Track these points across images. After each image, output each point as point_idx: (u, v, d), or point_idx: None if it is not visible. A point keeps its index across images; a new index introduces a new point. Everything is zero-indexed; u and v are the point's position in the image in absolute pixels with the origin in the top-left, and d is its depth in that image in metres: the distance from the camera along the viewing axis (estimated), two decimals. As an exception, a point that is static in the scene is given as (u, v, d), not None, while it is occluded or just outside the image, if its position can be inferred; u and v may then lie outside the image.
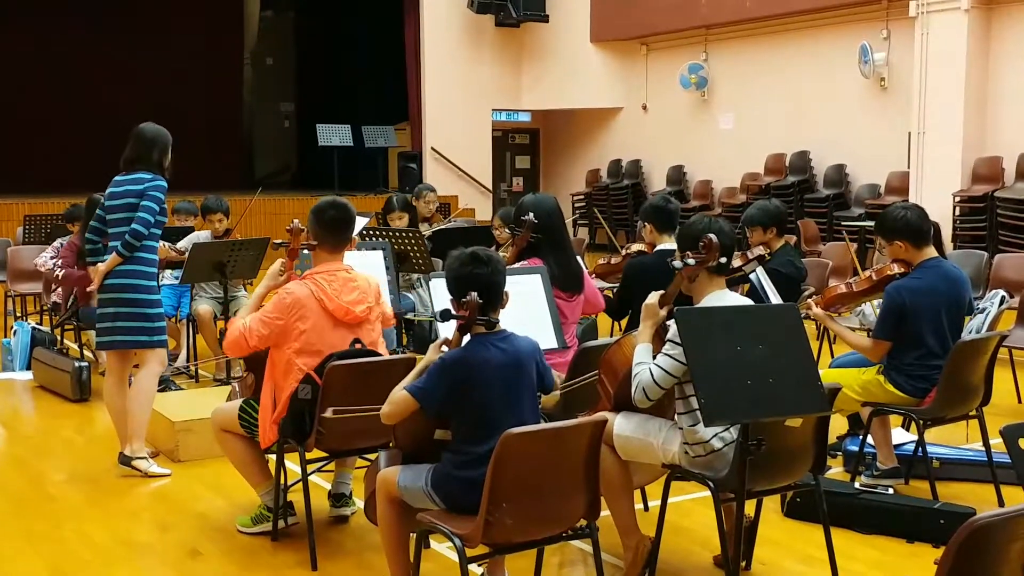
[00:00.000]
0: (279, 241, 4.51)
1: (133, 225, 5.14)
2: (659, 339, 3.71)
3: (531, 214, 4.71)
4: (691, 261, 3.61)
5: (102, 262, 5.26)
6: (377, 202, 14.60)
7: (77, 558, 4.30)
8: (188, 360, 7.71)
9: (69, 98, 17.74)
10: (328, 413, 3.93)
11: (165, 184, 5.26)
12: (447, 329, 3.46)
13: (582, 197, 17.99)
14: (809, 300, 5.12)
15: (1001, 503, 4.64)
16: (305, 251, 4.37)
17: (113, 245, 5.21)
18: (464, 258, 3.36)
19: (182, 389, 7.06)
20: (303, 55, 21.97)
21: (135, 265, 5.21)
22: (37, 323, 8.44)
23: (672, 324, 3.53)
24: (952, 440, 5.45)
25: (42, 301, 8.69)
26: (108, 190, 5.29)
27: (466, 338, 3.33)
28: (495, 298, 3.34)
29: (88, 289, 5.51)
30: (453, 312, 3.27)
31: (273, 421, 4.21)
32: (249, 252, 7.18)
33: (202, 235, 7.58)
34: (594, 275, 6.33)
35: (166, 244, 6.67)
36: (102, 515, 4.83)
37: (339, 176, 16.91)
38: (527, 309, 4.25)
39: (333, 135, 16.86)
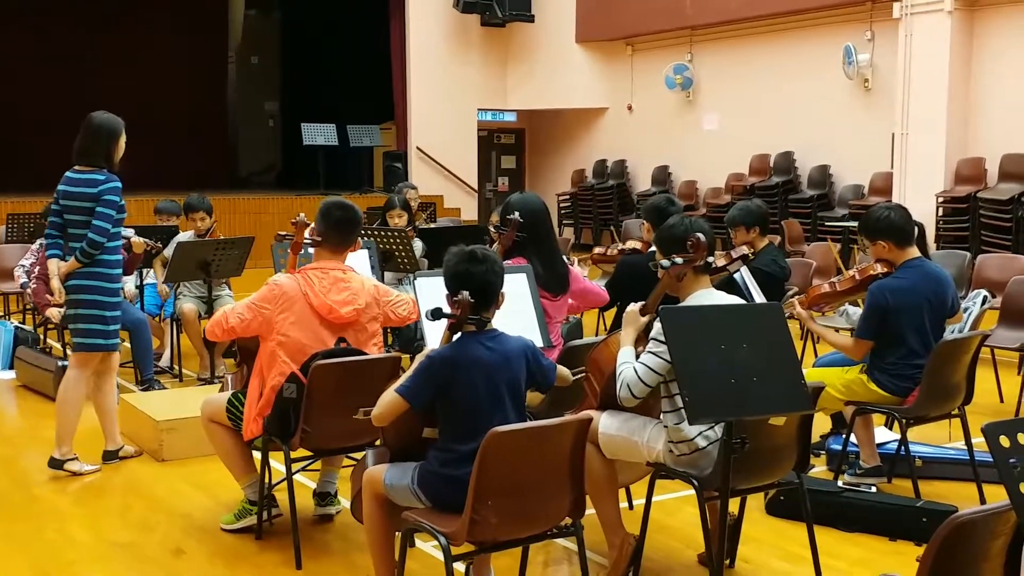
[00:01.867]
0: (283, 233, 4.52)
1: (90, 235, 5.05)
2: (643, 340, 3.73)
3: (516, 213, 4.72)
4: (679, 260, 3.63)
5: (56, 256, 5.18)
6: (362, 202, 14.60)
7: (61, 558, 4.29)
8: (172, 360, 7.69)
9: (51, 97, 17.62)
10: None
11: (119, 184, 5.16)
12: (436, 327, 3.46)
13: (567, 197, 18.02)
14: (792, 300, 5.15)
15: (983, 501, 4.67)
16: (310, 249, 4.36)
17: (72, 247, 5.12)
18: (462, 255, 3.36)
19: (166, 388, 7.04)
20: (288, 54, 21.91)
21: (96, 267, 5.14)
22: (20, 322, 8.40)
23: (657, 322, 3.54)
24: (934, 439, 5.49)
25: (24, 300, 8.64)
26: (63, 186, 5.16)
27: (456, 337, 3.32)
28: (489, 298, 3.34)
29: (46, 298, 5.41)
30: (445, 311, 3.26)
31: (257, 414, 4.21)
32: (233, 251, 7.16)
33: (187, 235, 7.55)
34: (589, 260, 6.34)
35: (143, 240, 6.61)
36: (86, 515, 4.82)
37: (324, 175, 16.88)
38: (513, 308, 4.24)
39: (318, 134, 16.82)
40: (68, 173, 5.20)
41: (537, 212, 4.80)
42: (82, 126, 5.19)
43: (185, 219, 7.73)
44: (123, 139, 5.21)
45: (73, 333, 5.27)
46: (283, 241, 4.50)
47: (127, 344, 7.27)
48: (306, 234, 4.39)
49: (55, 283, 5.17)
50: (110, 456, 5.48)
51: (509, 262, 4.76)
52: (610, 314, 5.52)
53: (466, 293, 3.25)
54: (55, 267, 5.18)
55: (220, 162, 20.76)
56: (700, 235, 3.65)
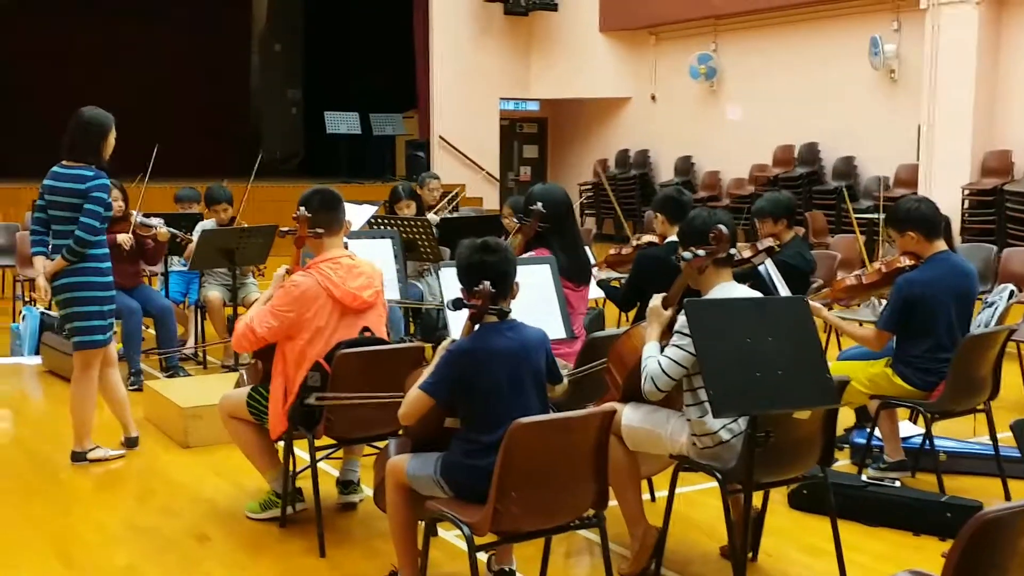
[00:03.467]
0: (285, 229, 4.49)
1: (78, 232, 4.95)
2: (667, 334, 3.72)
3: (539, 204, 4.71)
4: (701, 253, 3.61)
5: (42, 253, 5.10)
6: (384, 190, 14.61)
7: (84, 542, 4.33)
8: (196, 346, 7.74)
9: (76, 84, 17.74)
10: (311, 400, 3.95)
11: (107, 182, 5.07)
12: (458, 318, 3.46)
13: (590, 187, 17.98)
14: (806, 297, 5.11)
15: (1008, 497, 4.65)
16: (307, 254, 4.36)
17: (57, 244, 5.03)
18: (475, 246, 3.36)
19: (190, 375, 7.08)
20: (311, 42, 21.95)
21: (87, 263, 5.05)
22: (46, 308, 8.46)
23: (681, 315, 3.53)
24: (959, 434, 5.45)
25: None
26: (48, 181, 5.05)
27: (476, 327, 3.33)
28: (505, 287, 3.34)
29: (32, 294, 5.28)
30: (465, 301, 3.27)
31: (284, 411, 4.22)
32: (257, 239, 7.19)
33: (208, 223, 7.58)
34: (604, 264, 6.32)
35: (170, 231, 6.62)
36: (109, 499, 4.86)
37: (347, 164, 16.90)
38: (536, 299, 4.25)
39: (341, 123, 16.84)
40: (55, 168, 5.08)
41: (560, 203, 4.78)
42: (71, 121, 5.06)
43: (207, 209, 7.75)
44: (113, 135, 5.09)
45: (72, 332, 5.15)
46: (286, 237, 4.47)
47: (151, 331, 7.33)
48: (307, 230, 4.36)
49: (41, 282, 5.05)
50: (131, 444, 5.51)
51: (532, 253, 4.76)
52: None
53: (487, 284, 3.25)
54: (40, 265, 5.07)
55: (243, 150, 20.82)
56: (722, 227, 3.63)
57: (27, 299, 9.07)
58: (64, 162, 5.07)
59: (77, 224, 4.97)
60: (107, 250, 5.20)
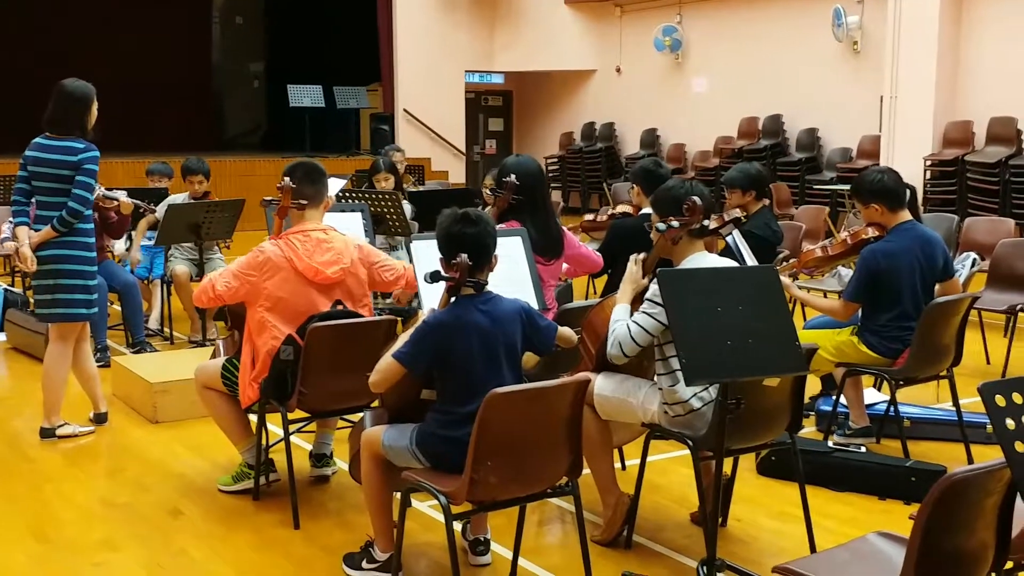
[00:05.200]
0: (268, 199, 4.50)
1: (71, 203, 4.94)
2: (638, 300, 3.75)
3: (512, 176, 4.71)
4: (675, 223, 3.64)
5: (24, 223, 5.07)
6: (349, 164, 14.53)
7: (57, 518, 4.31)
8: (162, 322, 7.69)
9: (34, 57, 17.44)
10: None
11: (97, 153, 5.05)
12: (433, 291, 3.47)
13: (555, 160, 17.98)
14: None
15: (970, 460, 4.75)
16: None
17: (42, 215, 5.01)
18: (455, 216, 3.36)
19: (157, 351, 7.04)
20: (273, 14, 21.68)
21: (75, 236, 5.04)
22: (9, 284, 8.37)
23: (653, 284, 3.56)
24: (922, 400, 5.56)
25: (12, 262, 8.59)
26: (32, 152, 5.01)
27: (453, 299, 3.34)
28: (484, 259, 3.36)
29: (18, 263, 5.19)
30: (443, 273, 3.28)
31: (252, 379, 4.23)
32: (224, 213, 7.15)
33: (179, 197, 7.51)
34: (580, 230, 6.35)
35: (133, 201, 6.55)
36: (81, 475, 4.84)
37: (310, 137, 16.78)
38: (508, 271, 4.25)
39: (304, 96, 16.71)
40: (38, 139, 5.04)
41: (533, 175, 4.79)
42: (53, 93, 5.03)
43: (182, 181, 7.67)
44: (95, 106, 5.07)
45: (52, 304, 5.10)
46: (270, 206, 4.47)
47: (116, 307, 7.27)
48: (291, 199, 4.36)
49: (25, 251, 5.00)
50: (100, 420, 5.49)
51: (503, 225, 4.77)
52: (601, 280, 5.53)
53: (464, 256, 3.26)
54: (24, 235, 5.04)
55: (205, 124, 20.60)
56: (696, 199, 3.66)
57: (16, 269, 8.91)
58: (48, 134, 5.04)
59: (68, 196, 4.97)
60: (92, 225, 5.19)
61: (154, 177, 8.20)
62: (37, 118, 5.08)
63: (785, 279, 5.01)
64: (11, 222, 5.28)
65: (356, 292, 4.36)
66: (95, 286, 5.24)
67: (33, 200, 5.11)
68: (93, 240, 5.20)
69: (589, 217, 6.53)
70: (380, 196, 7.17)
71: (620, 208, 5.98)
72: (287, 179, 4.27)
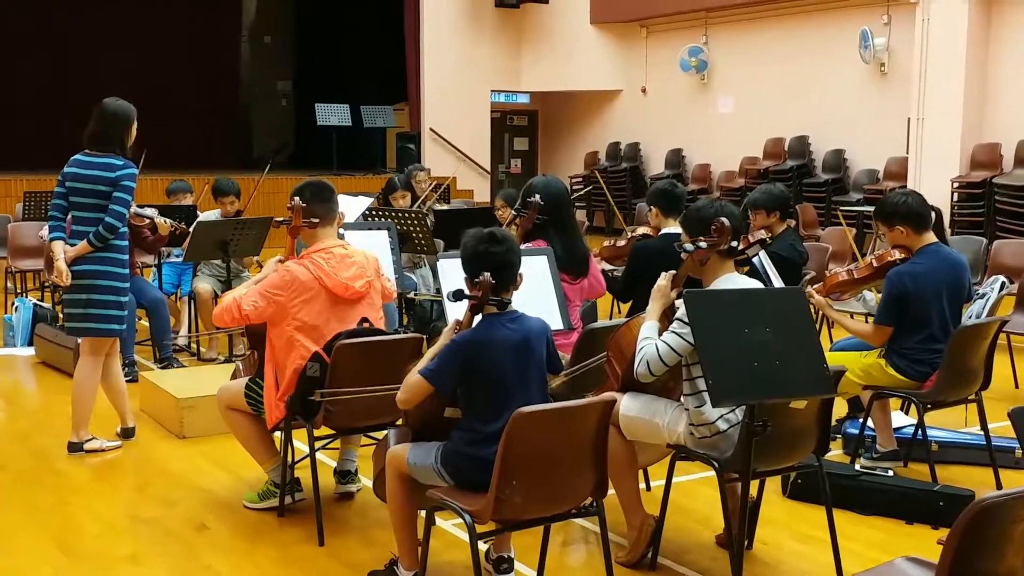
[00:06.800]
0: (280, 219, 4.53)
1: (107, 219, 5.02)
2: (666, 318, 3.75)
3: (538, 196, 4.73)
4: (703, 244, 3.64)
5: (60, 238, 5.12)
6: (375, 182, 14.60)
7: (84, 532, 4.34)
8: (189, 339, 7.74)
9: (66, 75, 17.68)
10: (316, 397, 3.98)
11: (135, 170, 5.15)
12: (457, 309, 3.48)
13: (581, 180, 17.99)
14: (810, 289, 5.15)
15: (999, 485, 4.70)
16: (303, 245, 4.38)
17: (78, 230, 5.09)
18: (481, 236, 3.38)
19: (184, 366, 7.09)
20: (301, 33, 21.88)
21: (109, 252, 5.11)
22: (38, 299, 8.46)
23: (680, 303, 3.56)
24: (951, 424, 5.51)
25: (43, 277, 8.69)
26: (72, 169, 5.09)
27: (477, 318, 3.35)
28: (508, 278, 3.37)
29: (52, 277, 5.26)
30: (466, 292, 3.29)
31: (279, 399, 4.24)
32: (252, 231, 7.20)
33: (211, 215, 7.57)
34: (600, 258, 6.36)
35: (169, 222, 6.63)
36: (108, 490, 4.87)
37: (337, 156, 16.88)
38: (533, 290, 4.27)
39: (331, 115, 16.83)
40: (78, 156, 5.14)
41: (559, 196, 4.81)
42: (95, 112, 5.15)
43: (213, 201, 7.73)
44: (135, 126, 5.19)
45: (85, 318, 5.15)
46: (280, 227, 4.52)
47: (144, 323, 7.33)
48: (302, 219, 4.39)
49: (61, 265, 5.07)
50: (127, 434, 5.53)
51: (529, 244, 4.79)
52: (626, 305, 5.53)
53: (487, 275, 3.28)
54: (60, 249, 5.11)
55: (233, 142, 20.77)
56: (724, 220, 3.66)
57: (19, 291, 9.04)
58: (87, 151, 5.13)
59: (104, 211, 5.05)
60: (126, 242, 5.26)
61: (176, 196, 8.25)
62: (66, 136, 5.18)
63: (820, 299, 5.00)
64: (47, 237, 5.35)
65: (377, 303, 4.41)
66: (127, 302, 5.30)
67: (69, 216, 5.18)
68: (127, 256, 5.27)
69: (608, 243, 6.53)
70: (406, 214, 7.20)
71: (641, 230, 5.99)
72: (296, 199, 4.31)
